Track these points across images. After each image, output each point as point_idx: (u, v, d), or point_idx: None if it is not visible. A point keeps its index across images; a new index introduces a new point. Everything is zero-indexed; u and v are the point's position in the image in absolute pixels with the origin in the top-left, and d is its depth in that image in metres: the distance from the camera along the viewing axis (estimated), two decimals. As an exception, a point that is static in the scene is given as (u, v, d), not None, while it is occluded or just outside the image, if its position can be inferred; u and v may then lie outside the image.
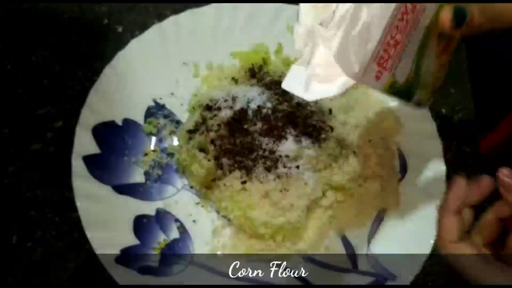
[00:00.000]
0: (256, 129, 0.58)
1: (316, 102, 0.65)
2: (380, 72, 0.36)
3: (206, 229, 0.62)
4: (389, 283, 0.60)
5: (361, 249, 0.63)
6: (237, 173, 0.58)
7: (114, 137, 0.63)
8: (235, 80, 0.70)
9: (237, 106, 0.61)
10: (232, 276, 0.59)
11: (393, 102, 0.71)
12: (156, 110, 0.67)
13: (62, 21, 0.76)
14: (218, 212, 0.63)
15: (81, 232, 0.57)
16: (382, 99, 0.72)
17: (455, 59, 0.82)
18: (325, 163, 0.60)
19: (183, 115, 0.68)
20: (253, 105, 0.60)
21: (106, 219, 0.58)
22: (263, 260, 0.61)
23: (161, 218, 0.61)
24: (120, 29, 0.77)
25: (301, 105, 0.63)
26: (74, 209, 0.57)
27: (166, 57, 0.69)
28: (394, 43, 0.36)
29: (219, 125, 0.60)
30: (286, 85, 0.38)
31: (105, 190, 0.60)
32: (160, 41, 0.69)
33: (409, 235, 0.63)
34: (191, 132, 0.62)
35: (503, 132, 0.83)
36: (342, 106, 0.66)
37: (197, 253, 0.60)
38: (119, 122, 0.64)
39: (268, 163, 0.58)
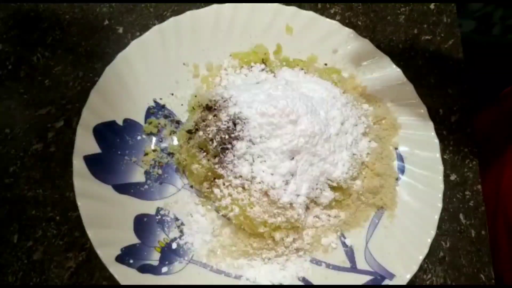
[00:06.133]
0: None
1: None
2: None
3: (206, 228, 0.63)
4: (386, 282, 0.60)
5: (359, 248, 0.63)
6: (236, 172, 0.59)
7: (115, 137, 0.64)
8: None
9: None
10: (232, 275, 0.60)
11: (391, 103, 0.72)
12: (156, 110, 0.68)
13: (63, 22, 0.77)
14: (218, 211, 0.63)
15: (81, 231, 0.58)
16: (382, 99, 0.73)
17: (452, 59, 0.84)
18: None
19: (183, 115, 0.69)
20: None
21: (106, 218, 0.58)
22: (262, 259, 0.61)
23: (161, 217, 0.62)
24: (120, 30, 0.78)
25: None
26: (75, 208, 0.57)
27: (166, 57, 0.70)
28: None
29: (218, 125, 0.60)
30: None
31: (106, 190, 0.60)
32: (160, 42, 0.69)
33: (407, 234, 0.63)
34: (191, 132, 0.63)
35: (497, 109, 0.85)
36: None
37: (197, 252, 0.61)
38: (120, 122, 0.65)
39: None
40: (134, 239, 0.59)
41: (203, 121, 0.62)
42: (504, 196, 0.73)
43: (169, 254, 0.60)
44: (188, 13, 0.71)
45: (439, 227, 0.63)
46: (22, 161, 0.66)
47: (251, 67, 0.71)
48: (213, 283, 0.59)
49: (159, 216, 0.62)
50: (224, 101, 0.62)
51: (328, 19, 0.74)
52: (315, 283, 0.60)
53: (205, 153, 0.61)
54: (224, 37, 0.73)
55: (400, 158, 0.69)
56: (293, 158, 0.59)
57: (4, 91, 0.70)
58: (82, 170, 0.59)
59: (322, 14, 0.76)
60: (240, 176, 0.59)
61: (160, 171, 0.65)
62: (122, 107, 0.66)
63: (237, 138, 0.59)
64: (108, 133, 0.63)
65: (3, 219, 0.63)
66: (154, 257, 0.59)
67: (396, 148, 0.70)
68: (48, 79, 0.72)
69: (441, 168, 0.67)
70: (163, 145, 0.67)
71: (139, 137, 0.66)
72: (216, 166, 0.59)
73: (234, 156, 0.59)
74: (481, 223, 0.71)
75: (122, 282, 0.55)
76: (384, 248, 0.63)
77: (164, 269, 0.58)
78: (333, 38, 0.74)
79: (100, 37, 0.76)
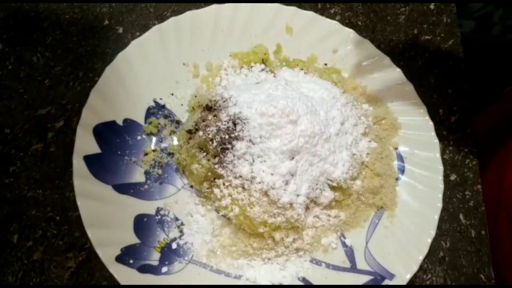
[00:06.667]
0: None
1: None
2: None
3: (206, 228, 0.63)
4: (386, 282, 0.60)
5: (359, 248, 0.63)
6: (236, 172, 0.59)
7: (115, 137, 0.64)
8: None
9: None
10: (232, 275, 0.60)
11: (391, 103, 0.72)
12: (156, 110, 0.68)
13: (63, 22, 0.77)
14: (217, 211, 0.63)
15: (81, 231, 0.58)
16: (381, 100, 0.73)
17: (452, 59, 0.84)
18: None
19: (183, 115, 0.69)
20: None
21: (106, 218, 0.58)
22: (262, 259, 0.61)
23: (161, 217, 0.62)
24: (120, 30, 0.78)
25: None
26: (75, 208, 0.57)
27: (166, 57, 0.70)
28: None
29: (218, 125, 0.60)
30: None
31: (106, 190, 0.60)
32: (160, 42, 0.69)
33: (407, 234, 0.63)
34: (191, 132, 0.63)
35: (495, 110, 0.85)
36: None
37: (197, 252, 0.61)
38: (120, 122, 0.65)
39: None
40: (134, 239, 0.59)
41: (203, 121, 0.62)
42: (507, 195, 0.73)
43: (169, 254, 0.60)
44: (188, 13, 0.71)
45: (439, 227, 0.63)
46: (22, 161, 0.66)
47: (251, 67, 0.71)
48: (213, 283, 0.59)
49: (159, 216, 0.62)
50: (224, 101, 0.62)
51: (328, 19, 0.74)
52: (315, 283, 0.60)
53: (205, 153, 0.61)
54: (224, 37, 0.73)
55: (400, 158, 0.69)
56: (293, 158, 0.59)
57: (4, 91, 0.70)
58: (82, 170, 0.59)
59: (322, 14, 0.77)
60: (240, 176, 0.59)
61: (160, 171, 0.65)
62: (122, 107, 0.66)
63: (237, 138, 0.59)
64: (108, 133, 0.63)
65: (3, 219, 0.63)
66: (154, 257, 0.59)
67: (396, 148, 0.70)
68: (48, 79, 0.72)
69: (441, 168, 0.67)
70: (163, 145, 0.67)
71: (139, 137, 0.66)
72: (216, 166, 0.59)
73: (234, 156, 0.59)
74: (481, 223, 0.72)
75: (122, 282, 0.55)
76: (384, 248, 0.63)
77: (164, 269, 0.58)
78: (333, 38, 0.74)
79: (100, 37, 0.76)
